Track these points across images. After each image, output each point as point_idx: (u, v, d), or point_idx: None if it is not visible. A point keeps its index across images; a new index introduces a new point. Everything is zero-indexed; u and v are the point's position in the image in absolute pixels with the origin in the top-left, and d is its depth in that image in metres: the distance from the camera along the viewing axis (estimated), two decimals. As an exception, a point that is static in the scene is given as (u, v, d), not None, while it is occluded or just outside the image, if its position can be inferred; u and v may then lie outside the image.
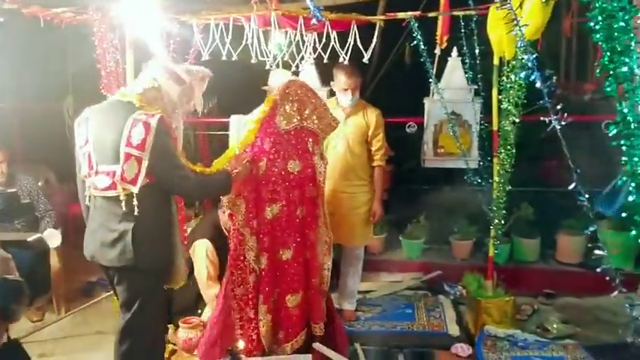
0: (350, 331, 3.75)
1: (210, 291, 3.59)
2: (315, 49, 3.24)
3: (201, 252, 3.60)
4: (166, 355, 3.50)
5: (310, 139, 3.15)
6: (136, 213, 2.47)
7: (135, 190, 2.45)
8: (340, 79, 3.72)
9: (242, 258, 3.07)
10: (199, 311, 3.78)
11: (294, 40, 3.30)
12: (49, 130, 5.71)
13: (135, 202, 2.45)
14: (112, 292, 3.96)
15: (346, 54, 3.24)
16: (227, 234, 3.30)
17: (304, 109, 3.09)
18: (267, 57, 3.35)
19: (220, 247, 3.54)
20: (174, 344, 3.59)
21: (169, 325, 3.63)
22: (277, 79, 3.53)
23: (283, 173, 3.08)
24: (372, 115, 3.82)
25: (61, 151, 5.77)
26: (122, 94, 2.64)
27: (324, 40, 3.27)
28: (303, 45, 3.27)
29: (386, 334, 3.84)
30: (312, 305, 3.25)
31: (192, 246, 3.65)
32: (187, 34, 3.65)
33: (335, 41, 3.18)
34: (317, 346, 3.14)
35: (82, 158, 2.62)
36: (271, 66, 3.38)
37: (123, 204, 2.47)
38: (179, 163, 2.56)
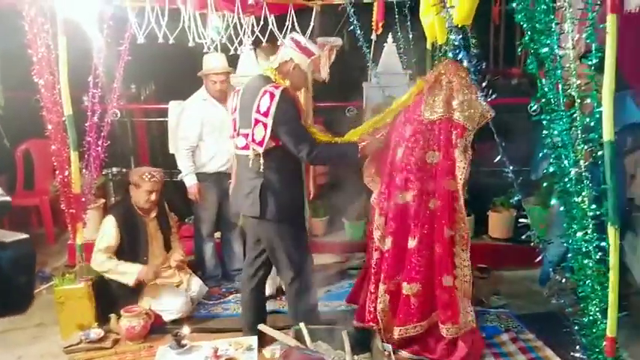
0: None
1: (97, 256, 3.59)
2: (253, 32, 3.25)
3: (109, 223, 3.64)
4: (109, 345, 3.46)
5: (455, 132, 3.00)
6: (260, 170, 2.86)
7: (260, 150, 2.83)
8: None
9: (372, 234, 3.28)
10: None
11: (232, 23, 3.29)
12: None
13: (261, 161, 2.85)
14: (51, 283, 3.90)
15: (284, 37, 3.27)
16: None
17: (453, 99, 2.98)
18: (205, 39, 3.33)
19: (130, 228, 3.67)
20: (117, 333, 3.54)
21: (111, 315, 3.58)
22: (213, 62, 3.51)
23: (420, 163, 3.07)
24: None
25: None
26: (264, 70, 2.99)
27: (262, 23, 3.28)
28: (241, 28, 3.27)
29: (330, 313, 3.90)
30: (439, 303, 3.15)
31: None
32: (122, 17, 3.57)
33: (273, 25, 3.21)
34: (261, 327, 3.17)
35: (230, 123, 3.07)
36: (209, 49, 3.37)
37: (250, 162, 2.86)
38: (299, 130, 2.87)
